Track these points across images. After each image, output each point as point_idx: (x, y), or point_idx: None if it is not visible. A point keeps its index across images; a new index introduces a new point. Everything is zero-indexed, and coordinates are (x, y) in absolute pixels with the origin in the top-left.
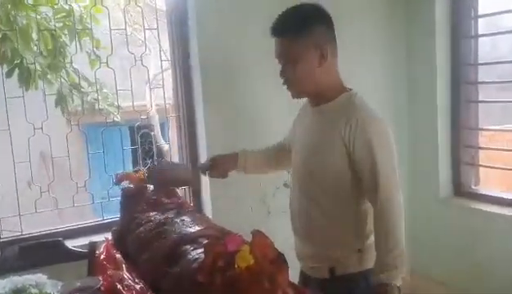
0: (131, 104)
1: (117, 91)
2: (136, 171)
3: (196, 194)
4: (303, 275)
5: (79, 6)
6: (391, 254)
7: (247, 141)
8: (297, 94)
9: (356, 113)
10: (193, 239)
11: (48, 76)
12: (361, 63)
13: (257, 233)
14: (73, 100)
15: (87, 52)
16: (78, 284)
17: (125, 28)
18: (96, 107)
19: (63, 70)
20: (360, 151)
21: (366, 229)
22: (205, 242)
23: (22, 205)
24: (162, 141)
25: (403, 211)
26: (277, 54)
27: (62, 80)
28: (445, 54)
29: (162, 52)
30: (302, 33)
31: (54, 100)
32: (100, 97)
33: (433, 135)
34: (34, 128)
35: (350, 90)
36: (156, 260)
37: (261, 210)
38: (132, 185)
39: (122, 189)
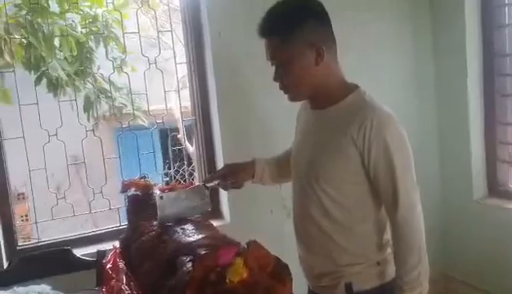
0: (158, 107)
1: (145, 94)
2: (142, 178)
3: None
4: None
5: (104, 12)
6: (415, 271)
7: (261, 144)
8: (295, 97)
9: (369, 114)
10: (191, 249)
11: (76, 83)
12: (385, 57)
13: (252, 244)
14: (100, 106)
15: (113, 58)
16: None
17: (138, 32)
18: (124, 111)
19: (91, 76)
20: (376, 156)
21: (383, 239)
22: (203, 252)
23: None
24: (187, 144)
25: (423, 223)
26: (268, 56)
27: (89, 86)
28: (476, 44)
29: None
30: (293, 31)
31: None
32: (127, 102)
33: (465, 131)
34: (86, 130)
35: (356, 88)
36: (154, 272)
37: (281, 213)
38: (138, 193)
39: (128, 197)
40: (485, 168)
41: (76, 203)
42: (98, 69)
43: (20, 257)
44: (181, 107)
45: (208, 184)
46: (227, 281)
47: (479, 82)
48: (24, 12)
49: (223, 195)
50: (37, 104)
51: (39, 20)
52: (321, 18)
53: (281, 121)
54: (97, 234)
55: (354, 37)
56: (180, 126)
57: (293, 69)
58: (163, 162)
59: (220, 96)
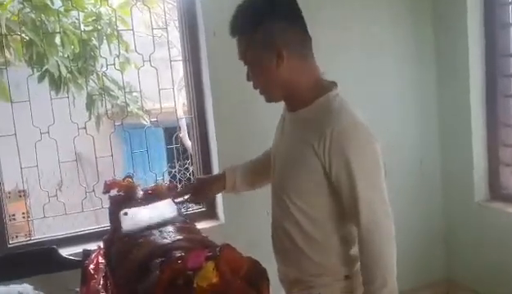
0: (163, 106)
1: (139, 92)
2: (125, 179)
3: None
4: None
5: (108, 10)
6: (378, 291)
7: (256, 143)
8: (268, 98)
9: (331, 123)
10: (165, 252)
11: (78, 80)
12: (385, 59)
13: (225, 247)
14: (102, 104)
15: (116, 55)
16: None
17: (132, 29)
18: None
19: (93, 74)
20: (337, 169)
21: (351, 253)
22: (177, 255)
23: (53, 207)
24: (188, 142)
25: (393, 238)
26: (238, 56)
27: (92, 84)
28: (478, 44)
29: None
30: (256, 30)
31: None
32: (129, 100)
33: (467, 133)
34: (78, 128)
35: (330, 89)
36: (129, 274)
37: None
38: (121, 193)
39: (110, 197)
40: (487, 171)
41: (77, 200)
42: (101, 66)
43: (2, 255)
44: (176, 105)
45: (176, 200)
46: (195, 285)
47: (482, 82)
48: (27, 10)
49: (218, 196)
50: (28, 101)
51: (42, 17)
52: (289, 17)
53: (276, 120)
54: (93, 232)
55: (352, 40)
56: (181, 124)
57: (257, 70)
58: (170, 160)
59: (215, 95)
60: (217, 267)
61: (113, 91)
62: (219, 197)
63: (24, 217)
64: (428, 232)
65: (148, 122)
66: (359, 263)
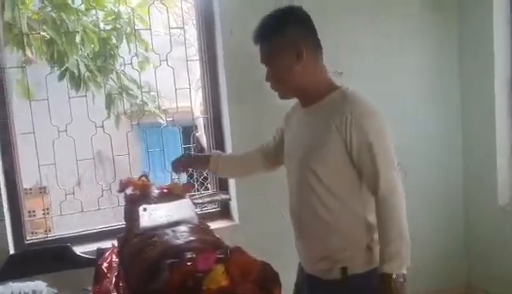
0: (178, 105)
1: (156, 91)
2: (140, 178)
3: (224, 200)
4: (310, 279)
5: (128, 9)
6: (394, 243)
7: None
8: (282, 94)
9: (349, 106)
10: (177, 253)
11: (98, 79)
12: (408, 64)
13: (235, 251)
14: (121, 103)
15: (135, 54)
16: None
17: (149, 28)
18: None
19: (113, 73)
20: (358, 142)
21: (370, 222)
22: (189, 256)
23: (72, 204)
24: (205, 142)
25: (404, 202)
26: (261, 60)
27: (111, 83)
28: (503, 46)
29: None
30: (275, 34)
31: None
32: (147, 99)
33: (491, 134)
34: (96, 127)
35: (341, 87)
36: (140, 274)
37: None
38: (136, 192)
39: (125, 196)
40: (510, 174)
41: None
42: (120, 65)
43: (15, 253)
44: (192, 105)
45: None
46: (204, 288)
47: (507, 82)
48: (48, 9)
49: (233, 196)
50: (47, 99)
51: (63, 15)
52: (303, 23)
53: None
54: (110, 230)
55: (372, 37)
56: (197, 124)
57: (276, 69)
58: None
59: (231, 95)
60: (227, 270)
61: (132, 90)
62: (233, 197)
63: (43, 214)
64: (449, 236)
65: (165, 121)
66: (377, 233)
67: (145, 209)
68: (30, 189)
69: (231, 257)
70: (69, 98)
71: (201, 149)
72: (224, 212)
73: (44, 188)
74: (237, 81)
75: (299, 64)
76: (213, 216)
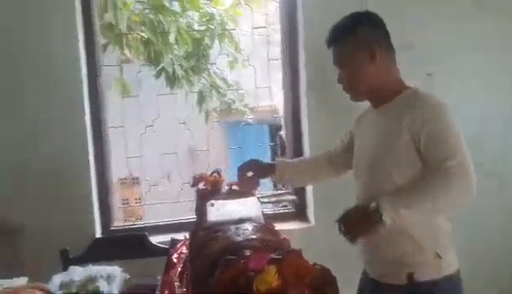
0: (264, 104)
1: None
2: (212, 174)
3: (298, 201)
4: (374, 283)
5: (220, 11)
6: (405, 195)
7: None
8: (355, 96)
9: (420, 103)
10: (236, 250)
11: (190, 78)
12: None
13: (290, 253)
14: (211, 100)
15: (226, 54)
16: (136, 282)
17: (235, 29)
18: (233, 106)
19: (205, 71)
20: (429, 132)
21: (440, 227)
22: (247, 254)
23: (160, 195)
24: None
25: (462, 199)
26: (333, 61)
27: (204, 81)
28: None
29: None
30: (349, 36)
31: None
32: (235, 97)
33: None
34: (179, 123)
35: (413, 87)
36: (202, 268)
37: None
38: (207, 187)
39: (196, 191)
40: None
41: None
42: (212, 65)
43: (99, 238)
44: (277, 104)
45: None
46: (254, 288)
47: None
48: (147, 11)
49: (309, 197)
50: (137, 96)
51: (160, 17)
52: (376, 25)
53: None
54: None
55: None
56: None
57: (349, 68)
58: (273, 157)
59: (310, 95)
60: (280, 272)
61: (221, 88)
62: (310, 197)
63: (136, 203)
64: (490, 246)
65: (251, 119)
66: (447, 240)
67: (212, 204)
68: (125, 179)
69: (285, 259)
70: (158, 96)
71: (285, 148)
72: (299, 213)
73: (137, 178)
74: (317, 80)
75: (372, 65)
76: (287, 217)
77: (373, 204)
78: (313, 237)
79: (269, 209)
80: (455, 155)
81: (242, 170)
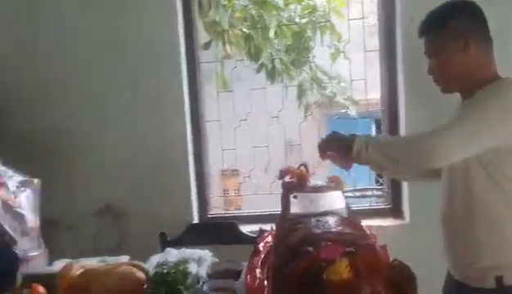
0: (367, 97)
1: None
2: (299, 167)
3: (394, 196)
4: (459, 285)
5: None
6: (382, 137)
7: None
8: (445, 87)
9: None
10: (313, 241)
11: (291, 72)
12: None
13: (364, 248)
14: (312, 93)
15: (328, 46)
16: (224, 266)
17: (329, 20)
18: (335, 100)
19: (306, 65)
20: None
21: None
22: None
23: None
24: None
25: (428, 158)
26: (424, 51)
27: (304, 74)
28: None
29: None
30: (442, 25)
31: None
32: (337, 90)
33: None
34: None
35: (507, 78)
36: (281, 257)
37: None
38: (293, 180)
39: (282, 183)
40: None
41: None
42: (313, 57)
43: (194, 224)
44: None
45: None
46: (324, 277)
47: None
48: (250, 6)
49: (404, 193)
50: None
51: (261, 12)
52: (472, 14)
53: None
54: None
55: None
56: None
57: (441, 57)
58: None
59: (408, 90)
60: (352, 264)
61: (322, 81)
62: (405, 194)
63: (235, 194)
64: None
65: (354, 112)
66: None
67: (295, 197)
68: (225, 171)
69: (358, 253)
70: (252, 90)
71: None
72: (395, 210)
73: (237, 170)
74: (414, 71)
75: (466, 55)
76: (382, 213)
77: (352, 134)
78: (406, 235)
79: (363, 205)
80: (453, 125)
81: (321, 148)
